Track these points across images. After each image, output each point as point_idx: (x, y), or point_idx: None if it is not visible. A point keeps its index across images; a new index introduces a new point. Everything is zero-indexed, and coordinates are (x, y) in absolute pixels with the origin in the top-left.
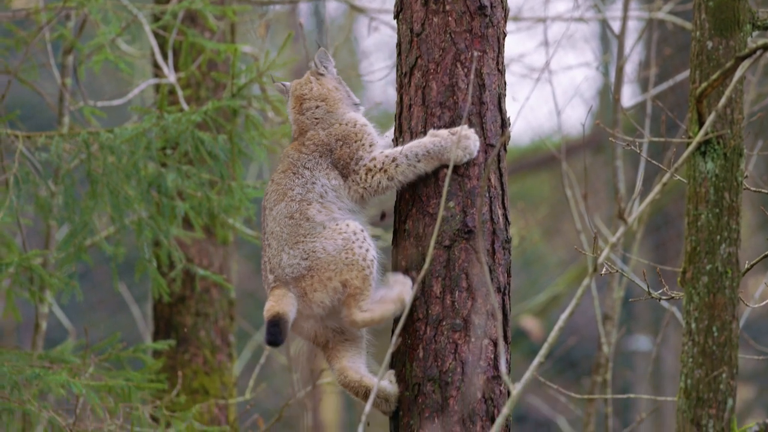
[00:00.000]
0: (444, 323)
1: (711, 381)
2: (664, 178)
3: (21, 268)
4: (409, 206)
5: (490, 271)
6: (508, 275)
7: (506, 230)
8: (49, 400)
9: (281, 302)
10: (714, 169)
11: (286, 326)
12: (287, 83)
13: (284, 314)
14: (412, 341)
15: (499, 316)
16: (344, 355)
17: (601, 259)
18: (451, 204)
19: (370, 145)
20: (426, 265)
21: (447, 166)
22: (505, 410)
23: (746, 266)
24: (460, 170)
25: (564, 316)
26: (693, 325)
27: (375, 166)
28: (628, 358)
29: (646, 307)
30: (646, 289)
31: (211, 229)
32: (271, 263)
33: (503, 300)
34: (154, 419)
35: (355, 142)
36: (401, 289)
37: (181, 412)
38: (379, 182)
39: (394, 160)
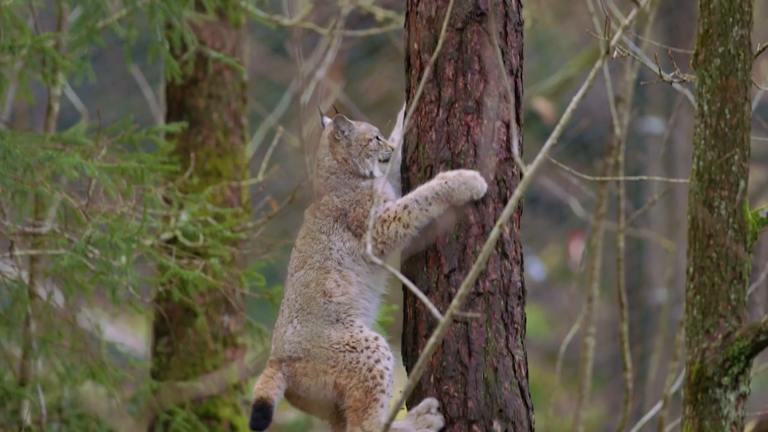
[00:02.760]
0: (456, 105)
1: (723, 163)
2: None
3: (33, 50)
4: None
5: (503, 53)
6: (521, 57)
7: (518, 12)
8: (61, 182)
9: (267, 385)
10: None
11: (270, 411)
12: (328, 121)
13: (268, 399)
14: (424, 123)
15: (512, 98)
16: None
17: (613, 42)
18: None
19: (385, 201)
20: (438, 48)
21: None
22: (517, 192)
23: (758, 49)
24: None
25: (576, 98)
26: (705, 107)
27: (389, 217)
28: (640, 140)
29: (659, 89)
30: (658, 72)
31: (223, 11)
32: (276, 332)
33: (515, 82)
34: (167, 201)
35: (369, 201)
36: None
37: (194, 194)
38: (396, 232)
39: (406, 207)
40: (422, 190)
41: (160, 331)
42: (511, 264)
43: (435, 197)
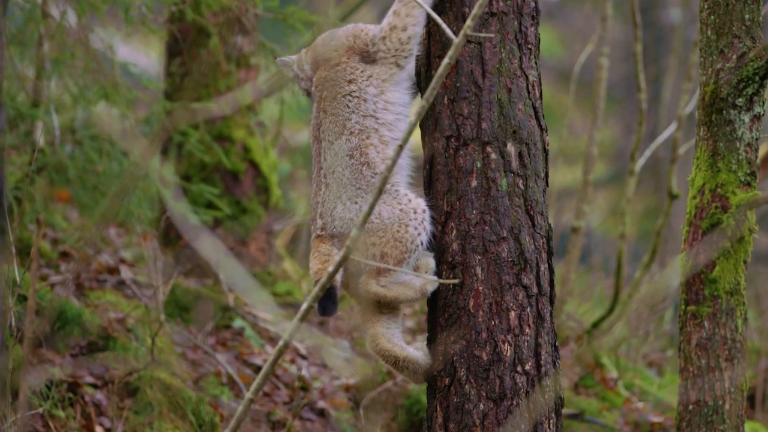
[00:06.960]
0: None
1: None
2: None
3: None
4: None
5: None
6: None
7: None
8: None
9: (327, 266)
10: None
11: (335, 294)
12: (292, 57)
13: (333, 281)
14: None
15: None
16: (379, 320)
17: None
18: None
19: (375, 25)
20: None
21: None
22: None
23: None
24: None
25: None
26: None
27: (384, 30)
28: None
29: None
30: None
31: None
32: (323, 207)
33: None
34: None
35: (362, 31)
36: (425, 281)
37: None
38: (399, 39)
39: (394, 12)
40: None
41: (173, 51)
42: None
43: None
